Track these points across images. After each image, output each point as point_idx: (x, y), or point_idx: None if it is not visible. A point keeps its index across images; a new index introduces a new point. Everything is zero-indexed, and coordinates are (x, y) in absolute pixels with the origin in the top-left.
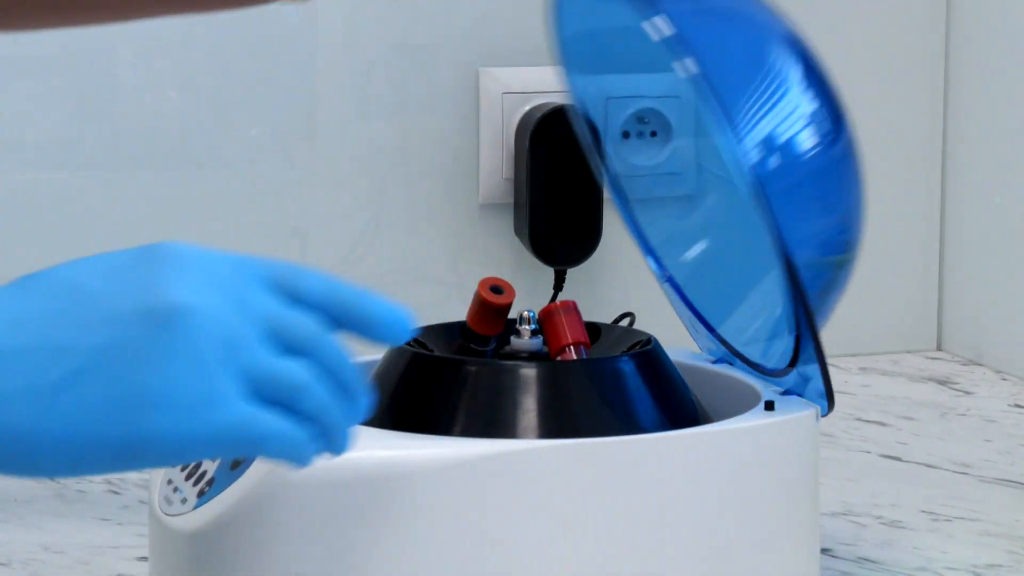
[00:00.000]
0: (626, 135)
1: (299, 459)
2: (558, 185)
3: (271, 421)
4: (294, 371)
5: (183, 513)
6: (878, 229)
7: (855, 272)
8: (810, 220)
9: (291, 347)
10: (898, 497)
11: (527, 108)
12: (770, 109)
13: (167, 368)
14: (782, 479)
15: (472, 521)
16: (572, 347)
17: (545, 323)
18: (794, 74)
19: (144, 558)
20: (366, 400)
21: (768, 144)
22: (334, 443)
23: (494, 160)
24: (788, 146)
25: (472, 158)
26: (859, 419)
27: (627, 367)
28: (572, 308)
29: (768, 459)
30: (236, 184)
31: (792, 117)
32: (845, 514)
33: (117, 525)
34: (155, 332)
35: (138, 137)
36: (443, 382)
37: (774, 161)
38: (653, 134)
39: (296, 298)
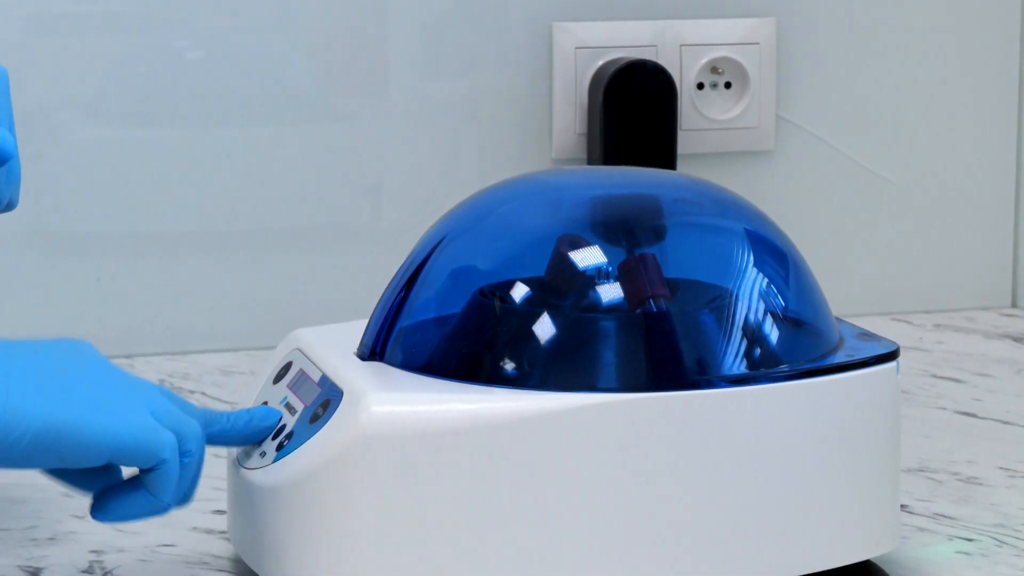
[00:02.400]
0: (700, 86)
1: (171, 485)
2: (632, 140)
3: (169, 437)
4: (187, 419)
5: (262, 467)
6: (953, 186)
7: (930, 228)
8: None
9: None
10: (974, 453)
11: (601, 63)
12: None
13: (98, 373)
14: (862, 433)
15: (553, 474)
16: (652, 300)
17: (624, 276)
18: None
19: (220, 511)
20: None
21: None
22: (187, 495)
23: (567, 116)
24: None
25: (545, 114)
26: (934, 376)
27: (708, 319)
28: (651, 261)
29: (848, 412)
30: (308, 142)
31: None
32: (921, 470)
33: None
34: (84, 356)
35: (210, 95)
36: (524, 335)
37: None
38: (727, 85)
39: None
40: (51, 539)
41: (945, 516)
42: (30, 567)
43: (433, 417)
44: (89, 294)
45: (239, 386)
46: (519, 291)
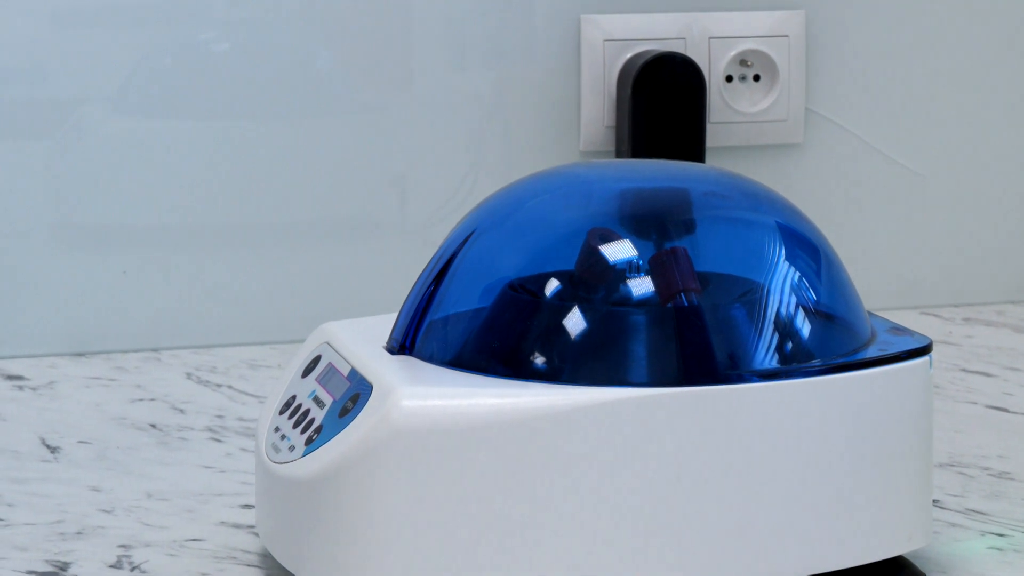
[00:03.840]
0: (728, 79)
1: None
2: (661, 133)
3: None
4: None
5: (291, 461)
6: (982, 179)
7: (959, 222)
8: None
9: None
10: (1006, 448)
11: (629, 55)
12: None
13: None
14: (895, 428)
15: (584, 469)
16: (683, 294)
17: (655, 270)
18: None
19: (247, 506)
20: None
21: None
22: None
23: (595, 108)
24: None
25: (573, 106)
26: (964, 370)
27: (739, 313)
28: (682, 255)
29: (881, 407)
30: (335, 134)
31: None
32: (952, 465)
33: (220, 472)
34: None
35: (236, 88)
36: (554, 329)
37: None
38: (756, 78)
39: None
40: (78, 533)
41: (977, 511)
42: (58, 561)
43: (463, 411)
44: (115, 287)
45: (266, 379)
46: (549, 285)
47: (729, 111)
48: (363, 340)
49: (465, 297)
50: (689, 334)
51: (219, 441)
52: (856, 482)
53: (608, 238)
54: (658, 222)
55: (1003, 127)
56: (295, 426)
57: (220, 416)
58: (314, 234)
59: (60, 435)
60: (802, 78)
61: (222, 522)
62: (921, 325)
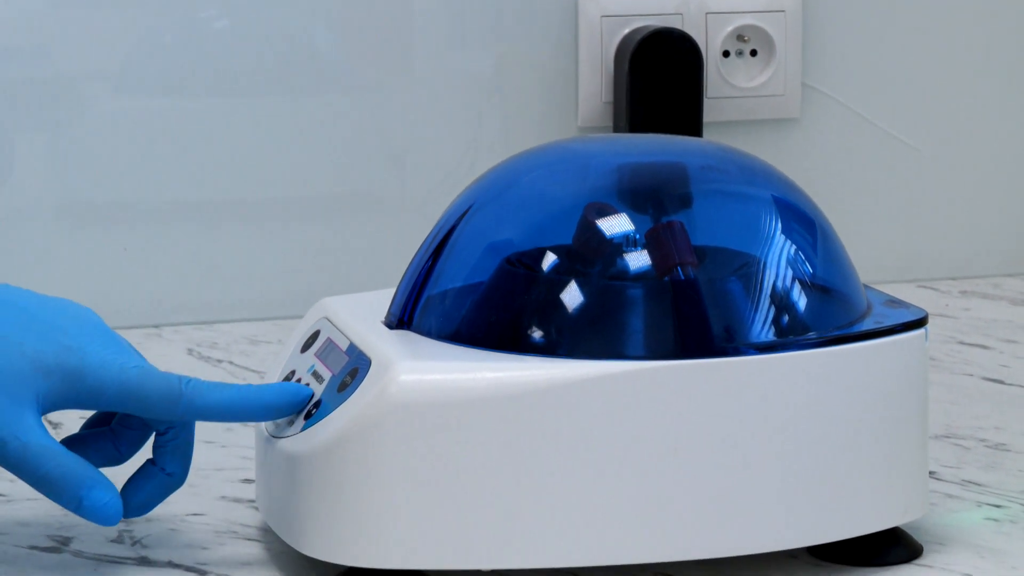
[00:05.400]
0: (726, 54)
1: (190, 449)
2: (658, 108)
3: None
4: None
5: (291, 435)
6: (980, 153)
7: (956, 195)
8: None
9: None
10: (1002, 420)
11: (626, 31)
12: None
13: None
14: (891, 400)
15: (582, 442)
16: (679, 267)
17: (651, 244)
18: None
19: (248, 480)
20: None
21: None
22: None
23: (593, 84)
24: None
25: (571, 82)
26: (961, 342)
27: (736, 287)
28: (679, 228)
29: (877, 380)
30: (335, 111)
31: None
32: (948, 437)
33: (221, 448)
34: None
35: (236, 65)
36: (551, 303)
37: None
38: (753, 53)
39: None
40: None
41: (973, 483)
42: (59, 536)
43: (461, 385)
44: (116, 264)
45: (266, 355)
46: (547, 259)
47: (726, 86)
48: (362, 315)
49: (463, 271)
50: (686, 307)
51: None
52: (852, 454)
53: (605, 212)
54: (655, 196)
55: (1000, 100)
56: None
57: None
58: (314, 211)
59: (61, 411)
60: (798, 53)
61: (222, 496)
62: (918, 298)
